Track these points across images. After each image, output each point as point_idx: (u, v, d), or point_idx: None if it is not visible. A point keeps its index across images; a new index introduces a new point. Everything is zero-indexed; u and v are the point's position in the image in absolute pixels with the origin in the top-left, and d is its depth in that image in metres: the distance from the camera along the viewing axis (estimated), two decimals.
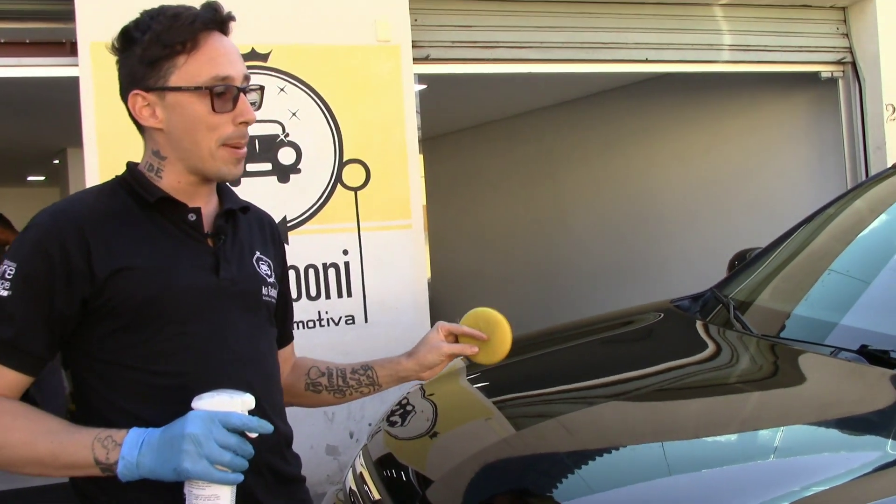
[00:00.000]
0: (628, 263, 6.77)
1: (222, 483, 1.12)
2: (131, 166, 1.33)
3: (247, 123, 1.27)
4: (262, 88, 1.33)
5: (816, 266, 2.37)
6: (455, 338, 1.54)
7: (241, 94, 1.26)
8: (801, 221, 2.61)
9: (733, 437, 1.62)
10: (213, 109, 1.24)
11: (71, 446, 1.13)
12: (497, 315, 1.52)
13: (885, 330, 1.85)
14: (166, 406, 1.19)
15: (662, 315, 2.47)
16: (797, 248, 2.49)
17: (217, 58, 1.24)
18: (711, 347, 2.20)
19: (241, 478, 1.14)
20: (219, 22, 1.27)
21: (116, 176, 1.33)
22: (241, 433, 1.14)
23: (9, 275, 1.18)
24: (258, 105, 1.32)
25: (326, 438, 3.85)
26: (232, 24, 1.30)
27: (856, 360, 1.78)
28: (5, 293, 1.18)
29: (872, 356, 1.75)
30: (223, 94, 1.24)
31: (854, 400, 1.71)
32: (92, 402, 1.25)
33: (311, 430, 3.78)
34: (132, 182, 1.30)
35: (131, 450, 1.12)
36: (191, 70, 1.24)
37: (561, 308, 7.15)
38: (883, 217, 2.40)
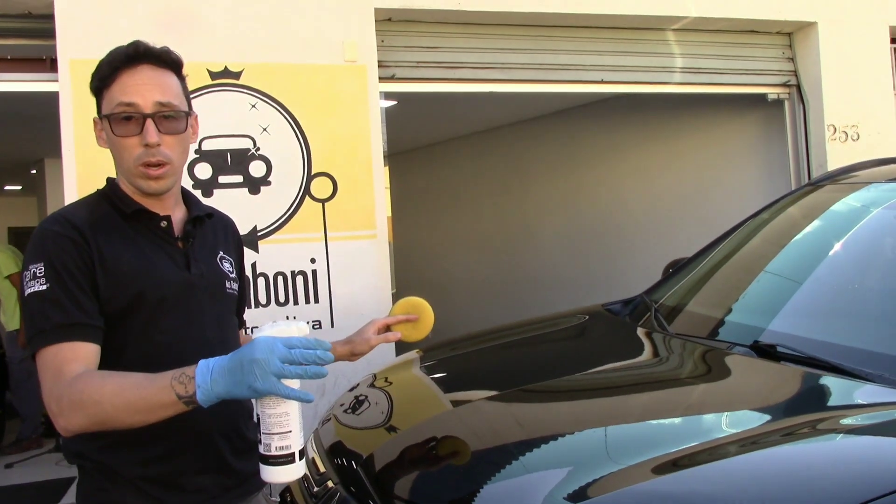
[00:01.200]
0: (591, 274, 7.02)
1: (288, 398, 1.24)
2: (111, 181, 1.57)
3: (149, 145, 1.45)
4: (187, 113, 1.52)
5: (730, 275, 2.63)
6: (387, 327, 1.77)
7: (149, 120, 1.45)
8: (723, 235, 2.87)
9: (639, 414, 1.86)
10: (114, 133, 1.46)
11: (154, 389, 1.29)
12: (421, 300, 1.79)
13: (776, 328, 2.10)
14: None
15: (588, 317, 2.73)
16: (717, 259, 2.75)
17: (125, 88, 1.45)
18: (635, 346, 2.44)
19: (311, 398, 1.26)
20: (137, 57, 1.47)
21: (98, 190, 1.56)
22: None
23: (39, 273, 1.39)
24: (192, 130, 1.54)
25: None
26: (172, 57, 1.51)
27: (747, 353, 2.03)
28: (44, 287, 1.38)
29: (762, 350, 1.99)
30: (128, 120, 1.45)
31: (738, 385, 1.96)
32: None
33: None
34: (112, 195, 1.53)
35: (204, 377, 1.27)
36: (108, 100, 1.48)
37: (526, 317, 7.37)
38: (791, 232, 2.67)
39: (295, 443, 1.28)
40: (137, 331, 1.44)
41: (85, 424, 1.31)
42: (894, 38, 5.53)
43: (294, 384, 1.26)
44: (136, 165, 1.47)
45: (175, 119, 1.48)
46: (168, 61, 1.50)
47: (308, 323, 1.40)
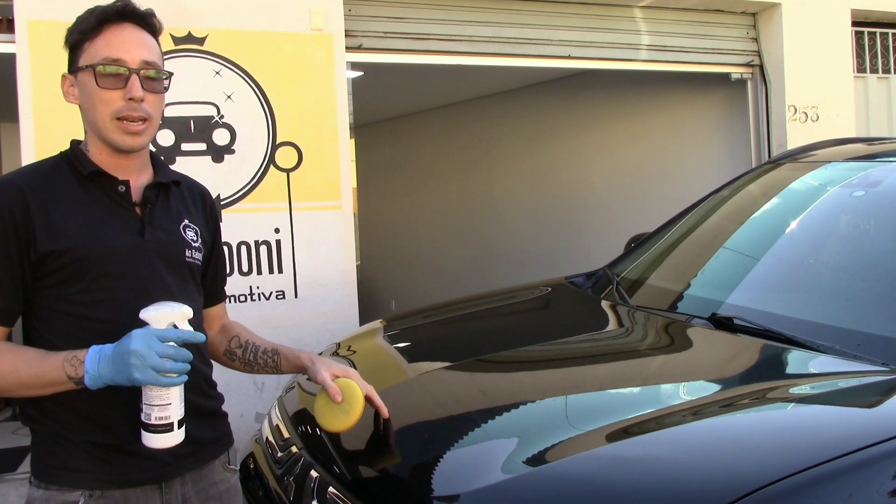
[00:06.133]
0: (555, 249, 7.09)
1: (168, 386, 1.35)
2: (74, 143, 1.55)
3: (134, 100, 1.46)
4: (170, 74, 1.53)
5: (690, 249, 2.68)
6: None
7: (134, 75, 1.45)
8: (684, 210, 2.92)
9: (597, 384, 1.91)
10: (98, 84, 1.45)
11: (46, 369, 1.36)
12: (355, 388, 1.61)
13: (733, 301, 2.16)
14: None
15: (551, 289, 2.77)
16: (678, 234, 2.81)
17: (112, 43, 1.46)
18: (596, 317, 2.49)
19: (184, 379, 1.37)
20: (124, 15, 1.48)
21: (61, 152, 1.54)
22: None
23: None
24: (166, 88, 1.53)
25: (256, 406, 4.04)
26: (154, 21, 1.51)
27: (705, 325, 2.08)
28: None
29: (719, 323, 2.05)
30: (114, 75, 1.45)
31: (695, 356, 2.01)
32: (35, 343, 1.46)
33: (241, 398, 3.96)
34: (71, 157, 1.51)
35: (92, 364, 1.35)
36: (90, 53, 1.46)
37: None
38: (751, 208, 2.73)
39: (174, 413, 1.39)
40: (81, 298, 1.43)
41: None
42: (855, 21, 5.63)
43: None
44: (112, 119, 1.46)
45: (158, 79, 1.50)
46: (151, 25, 1.51)
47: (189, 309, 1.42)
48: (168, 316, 1.38)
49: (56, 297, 1.43)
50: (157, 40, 1.53)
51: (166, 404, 1.37)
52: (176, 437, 1.39)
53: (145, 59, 1.47)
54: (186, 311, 1.40)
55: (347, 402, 1.62)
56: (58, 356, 1.36)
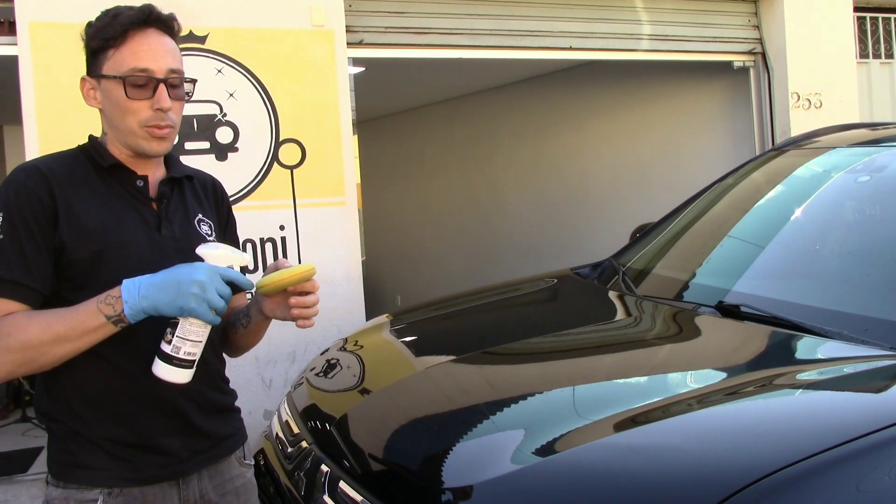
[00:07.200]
0: (560, 241, 7.09)
1: (212, 323, 1.37)
2: (92, 138, 1.56)
3: (162, 110, 1.48)
4: (193, 81, 1.55)
5: (695, 238, 2.68)
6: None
7: (161, 84, 1.47)
8: (689, 199, 2.92)
9: (605, 374, 1.91)
10: (127, 96, 1.46)
11: (81, 317, 1.36)
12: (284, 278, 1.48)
13: (740, 289, 2.16)
14: (115, 340, 1.40)
15: (557, 280, 2.77)
16: (683, 223, 2.81)
17: (139, 52, 1.46)
18: (603, 308, 2.49)
19: (219, 320, 1.39)
20: (148, 21, 1.48)
21: (78, 146, 1.55)
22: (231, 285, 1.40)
23: None
24: (191, 94, 1.54)
25: (264, 404, 4.05)
26: (175, 24, 1.52)
27: (712, 313, 2.08)
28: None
29: (726, 310, 2.05)
30: (142, 85, 1.46)
31: (702, 344, 2.01)
32: None
33: (249, 395, 3.97)
34: (91, 150, 1.53)
35: (131, 294, 1.35)
36: (117, 61, 1.47)
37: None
38: (755, 196, 2.72)
39: (199, 352, 1.41)
40: (103, 289, 1.41)
41: (9, 369, 1.35)
42: (857, 6, 5.60)
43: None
44: (141, 127, 1.48)
45: (182, 86, 1.52)
46: (173, 28, 1.52)
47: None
48: (228, 258, 1.41)
49: (72, 288, 1.43)
50: (176, 42, 1.54)
51: (199, 341, 1.38)
52: (189, 375, 1.41)
53: (171, 67, 1.49)
54: (247, 258, 1.44)
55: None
56: (89, 302, 1.36)
